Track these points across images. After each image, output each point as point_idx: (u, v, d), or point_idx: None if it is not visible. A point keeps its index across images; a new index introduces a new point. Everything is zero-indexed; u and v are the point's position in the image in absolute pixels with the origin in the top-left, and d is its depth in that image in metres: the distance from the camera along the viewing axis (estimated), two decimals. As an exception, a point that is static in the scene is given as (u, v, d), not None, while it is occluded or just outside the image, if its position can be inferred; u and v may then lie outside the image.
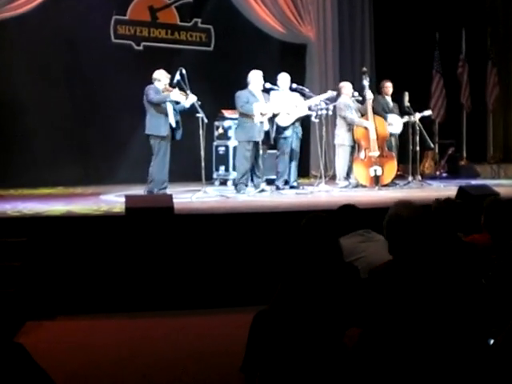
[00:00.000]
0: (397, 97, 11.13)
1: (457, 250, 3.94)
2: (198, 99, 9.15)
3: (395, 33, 13.94)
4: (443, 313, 3.24)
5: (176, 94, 8.97)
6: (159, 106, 9.02)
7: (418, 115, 10.89)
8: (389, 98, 10.96)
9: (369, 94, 10.51)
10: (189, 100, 9.09)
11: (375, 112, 10.53)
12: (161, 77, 9.16)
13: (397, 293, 3.25)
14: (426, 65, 14.22)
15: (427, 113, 11.10)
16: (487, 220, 4.29)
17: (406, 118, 10.88)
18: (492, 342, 3.26)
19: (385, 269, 3.40)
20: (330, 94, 10.35)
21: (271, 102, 9.79)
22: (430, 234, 3.44)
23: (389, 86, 10.96)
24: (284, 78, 10.07)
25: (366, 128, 10.38)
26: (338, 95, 10.74)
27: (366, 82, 10.59)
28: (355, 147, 10.57)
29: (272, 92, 9.92)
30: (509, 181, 12.00)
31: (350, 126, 10.51)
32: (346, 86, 10.80)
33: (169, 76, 9.19)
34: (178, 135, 9.20)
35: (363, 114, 10.53)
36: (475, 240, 4.30)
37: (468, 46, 14.51)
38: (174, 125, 9.07)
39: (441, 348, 3.13)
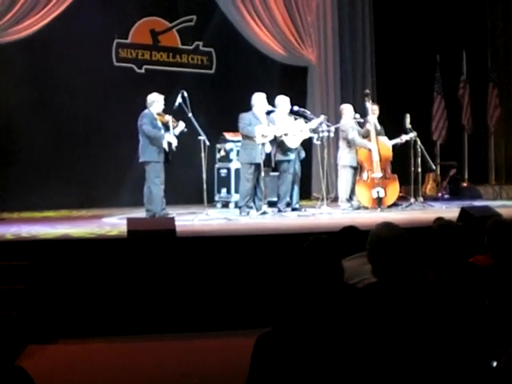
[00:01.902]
0: (398, 119, 11.15)
1: (460, 271, 3.92)
2: (200, 122, 9.21)
3: (396, 55, 14.00)
4: (441, 334, 3.22)
5: (170, 137, 9.13)
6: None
7: (396, 140, 10.87)
8: (376, 121, 10.93)
9: (371, 117, 10.56)
10: (178, 128, 9.20)
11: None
12: (157, 98, 9.23)
13: (382, 315, 3.24)
14: (427, 86, 14.27)
15: (404, 138, 10.95)
16: (490, 242, 4.27)
17: (394, 141, 10.83)
18: (495, 364, 3.24)
19: (367, 291, 3.39)
20: (323, 118, 10.35)
21: (276, 124, 9.80)
22: (412, 255, 3.43)
23: (375, 109, 10.97)
24: (282, 101, 10.08)
25: (369, 150, 10.40)
26: (340, 117, 10.76)
27: (368, 105, 10.64)
28: (358, 169, 10.59)
29: (272, 114, 9.93)
30: (511, 202, 11.99)
31: (353, 148, 10.53)
32: (348, 108, 10.84)
33: (162, 96, 9.25)
34: (170, 157, 9.26)
35: (364, 137, 10.55)
36: (478, 261, 4.29)
37: (469, 67, 14.55)
38: (167, 149, 9.11)
39: (442, 370, 3.11)
